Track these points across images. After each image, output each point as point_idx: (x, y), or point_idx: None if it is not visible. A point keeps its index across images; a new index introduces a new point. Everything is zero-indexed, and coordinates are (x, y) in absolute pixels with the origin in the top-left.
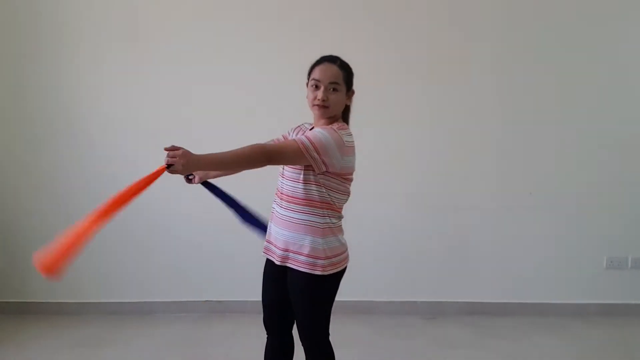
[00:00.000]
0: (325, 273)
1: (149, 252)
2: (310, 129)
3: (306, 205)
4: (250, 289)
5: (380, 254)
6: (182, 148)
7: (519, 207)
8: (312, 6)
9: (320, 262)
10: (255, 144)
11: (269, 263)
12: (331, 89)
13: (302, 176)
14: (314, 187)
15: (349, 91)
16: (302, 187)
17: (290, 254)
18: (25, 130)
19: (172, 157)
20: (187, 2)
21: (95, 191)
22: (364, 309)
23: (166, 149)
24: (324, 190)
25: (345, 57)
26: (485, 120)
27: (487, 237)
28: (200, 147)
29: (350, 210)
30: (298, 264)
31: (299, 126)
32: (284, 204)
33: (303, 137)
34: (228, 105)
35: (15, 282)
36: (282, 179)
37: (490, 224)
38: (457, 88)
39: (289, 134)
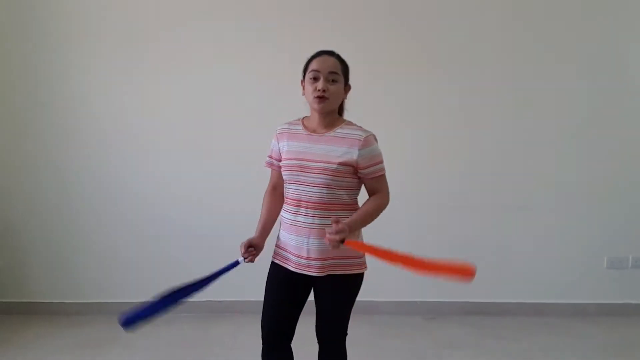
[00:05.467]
0: (364, 270)
1: (150, 252)
2: (365, 142)
3: (341, 210)
4: (250, 289)
5: None
6: (341, 224)
7: (519, 207)
8: (313, 5)
9: (361, 260)
10: (376, 201)
11: (285, 275)
12: (330, 80)
13: (338, 182)
14: (346, 191)
15: (346, 85)
16: (340, 192)
17: (334, 261)
18: (24, 131)
19: (340, 232)
20: (185, 4)
21: (94, 191)
22: (364, 309)
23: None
24: (353, 192)
25: (347, 55)
26: (485, 120)
27: (487, 237)
28: (200, 147)
29: None
30: (343, 268)
31: (285, 131)
32: (317, 212)
33: (379, 165)
34: (229, 105)
35: (16, 282)
36: (306, 187)
37: (491, 223)
38: (459, 88)
39: (277, 143)
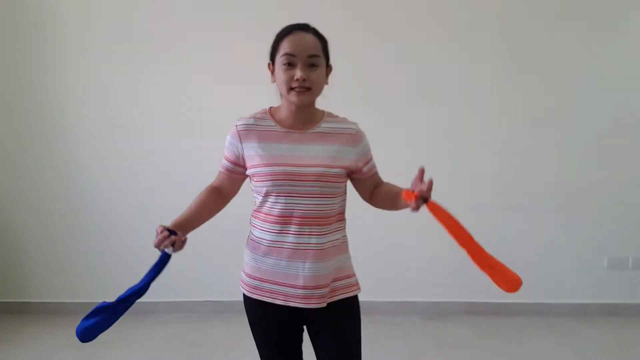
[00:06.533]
0: (359, 291)
1: (149, 252)
2: (359, 136)
3: (337, 222)
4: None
5: (380, 253)
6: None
7: (519, 207)
8: (313, 5)
9: (356, 279)
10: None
11: (275, 313)
12: (310, 65)
13: (335, 189)
14: (341, 198)
15: (327, 66)
16: (336, 201)
17: (337, 284)
18: (23, 131)
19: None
20: (182, 3)
21: (92, 191)
22: (364, 309)
23: None
24: (344, 199)
25: (345, 52)
26: (485, 119)
27: (486, 237)
28: (201, 147)
29: (350, 211)
30: (341, 291)
31: (252, 128)
32: (314, 229)
33: (373, 160)
34: (230, 105)
35: (15, 282)
36: (298, 198)
37: (490, 223)
38: (459, 87)
39: (238, 143)
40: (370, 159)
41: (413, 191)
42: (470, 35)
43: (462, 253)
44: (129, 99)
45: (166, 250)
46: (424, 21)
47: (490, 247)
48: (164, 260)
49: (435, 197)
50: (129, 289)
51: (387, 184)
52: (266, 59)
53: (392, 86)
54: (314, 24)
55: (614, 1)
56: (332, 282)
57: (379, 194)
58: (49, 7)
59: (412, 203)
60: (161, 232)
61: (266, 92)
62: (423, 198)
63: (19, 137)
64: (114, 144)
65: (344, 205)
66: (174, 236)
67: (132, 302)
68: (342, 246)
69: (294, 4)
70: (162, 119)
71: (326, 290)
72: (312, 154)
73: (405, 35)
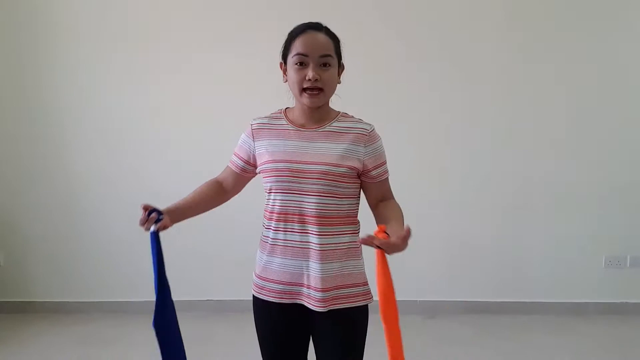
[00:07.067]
0: (370, 301)
1: (149, 252)
2: (371, 137)
3: (342, 225)
4: (251, 289)
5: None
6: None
7: (518, 206)
8: (314, 5)
9: (367, 288)
10: (399, 208)
11: (280, 313)
12: (322, 64)
13: (341, 189)
14: (349, 200)
15: (339, 66)
16: (342, 202)
17: (337, 292)
18: (24, 129)
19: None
20: (182, 3)
21: (94, 190)
22: None
23: None
24: (355, 201)
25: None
26: (483, 120)
27: (486, 236)
28: (204, 147)
29: None
30: (346, 299)
31: (264, 127)
32: (315, 228)
33: (385, 166)
34: (226, 106)
35: (17, 281)
36: (300, 196)
37: (490, 223)
38: (459, 87)
39: (251, 141)
40: (382, 164)
41: (386, 232)
42: (470, 35)
43: (462, 252)
44: (131, 101)
45: (151, 229)
46: (427, 20)
47: (489, 246)
48: (153, 239)
49: (435, 197)
50: (156, 290)
51: (394, 205)
52: (272, 60)
53: (392, 85)
54: (326, 22)
55: (614, 2)
56: (336, 288)
57: (379, 211)
58: (47, 9)
59: (373, 238)
60: (143, 210)
61: (272, 95)
62: (381, 243)
63: (20, 138)
64: (115, 145)
65: (355, 209)
66: (154, 214)
67: (168, 300)
68: (351, 251)
69: (295, 4)
70: (163, 121)
71: (328, 294)
72: (320, 152)
73: (406, 34)
